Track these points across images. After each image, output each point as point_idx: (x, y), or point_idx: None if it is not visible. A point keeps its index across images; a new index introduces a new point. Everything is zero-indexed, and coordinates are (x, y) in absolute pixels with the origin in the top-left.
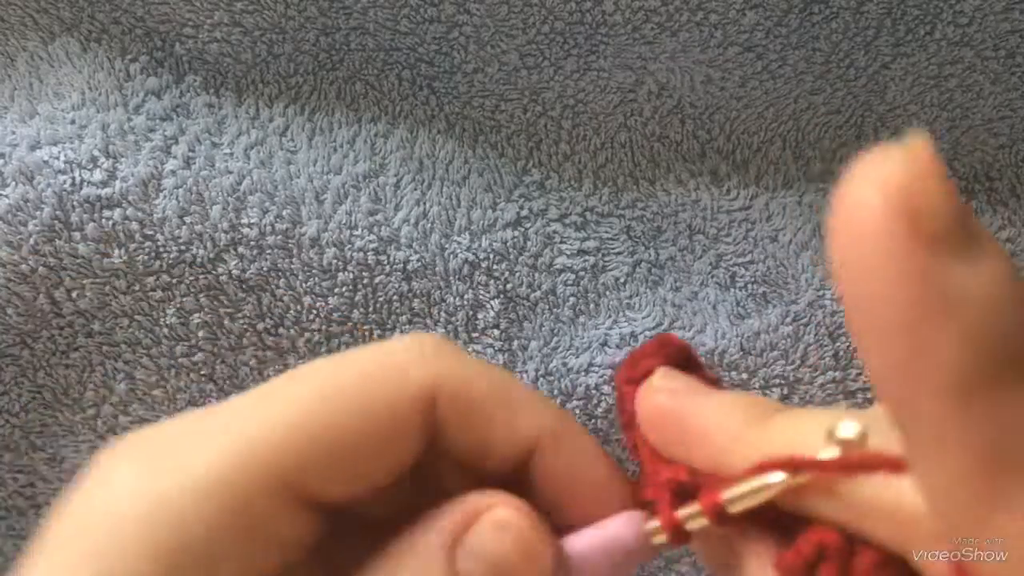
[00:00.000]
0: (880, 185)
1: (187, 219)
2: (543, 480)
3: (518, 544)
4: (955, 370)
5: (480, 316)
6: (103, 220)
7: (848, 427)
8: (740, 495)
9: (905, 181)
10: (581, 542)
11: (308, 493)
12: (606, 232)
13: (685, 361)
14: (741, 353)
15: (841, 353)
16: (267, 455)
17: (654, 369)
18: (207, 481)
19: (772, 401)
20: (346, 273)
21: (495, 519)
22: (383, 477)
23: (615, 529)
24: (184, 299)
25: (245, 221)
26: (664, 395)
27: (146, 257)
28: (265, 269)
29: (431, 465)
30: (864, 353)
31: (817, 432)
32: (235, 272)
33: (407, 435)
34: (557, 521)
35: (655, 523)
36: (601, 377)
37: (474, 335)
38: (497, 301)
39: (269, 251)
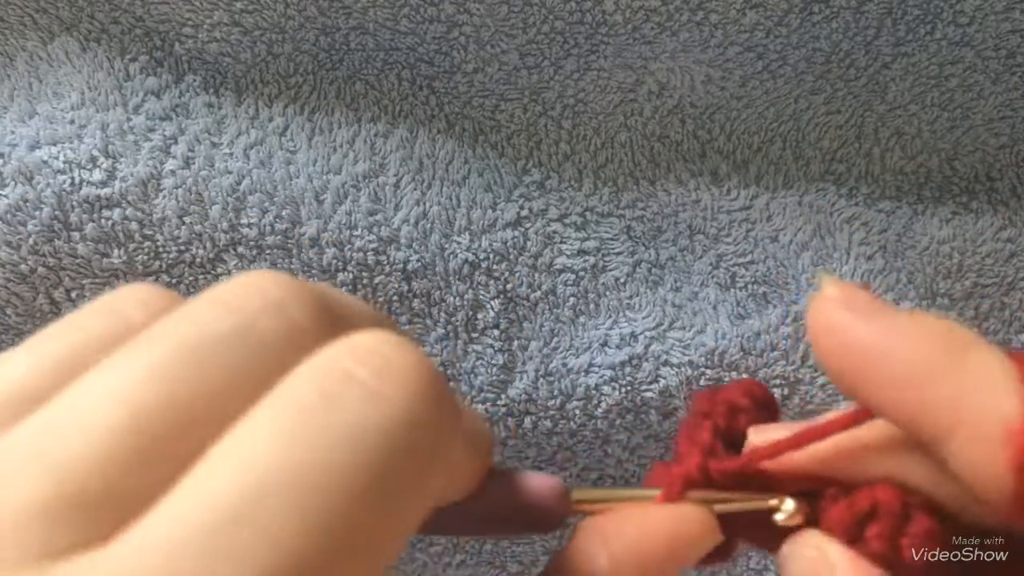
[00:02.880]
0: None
1: (186, 219)
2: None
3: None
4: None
5: (480, 316)
6: (102, 220)
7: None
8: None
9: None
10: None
11: None
12: (606, 232)
13: (768, 405)
14: (741, 353)
15: None
16: None
17: (741, 400)
18: None
19: (960, 326)
20: (346, 273)
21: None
22: None
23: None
24: None
25: (245, 221)
26: (841, 311)
27: (145, 257)
28: (265, 269)
29: None
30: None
31: (1006, 386)
32: (235, 272)
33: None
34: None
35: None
36: (601, 377)
37: (474, 335)
38: (497, 301)
39: (269, 251)
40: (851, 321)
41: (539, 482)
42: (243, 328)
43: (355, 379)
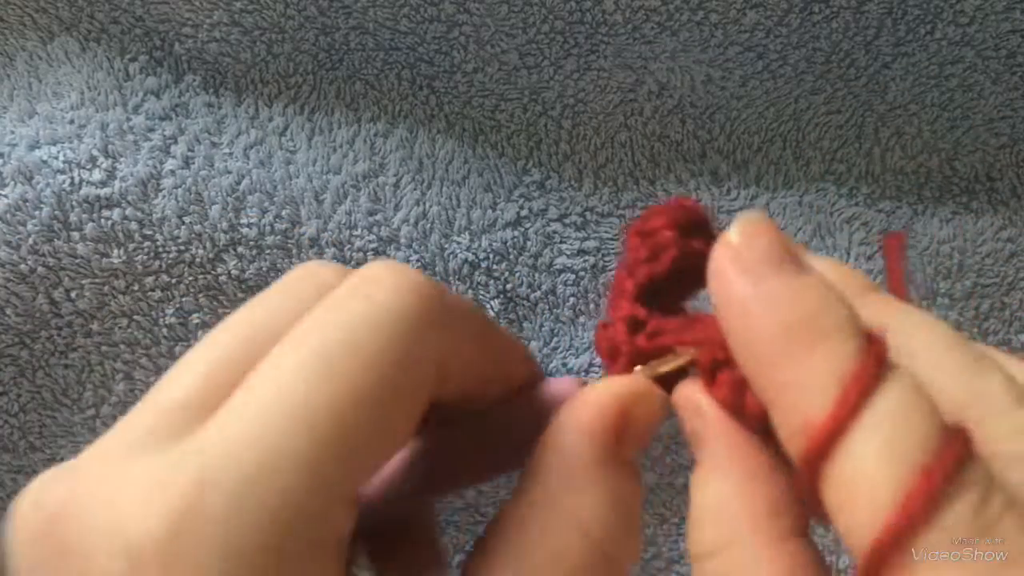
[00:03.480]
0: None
1: (186, 219)
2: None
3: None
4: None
5: None
6: (102, 220)
7: None
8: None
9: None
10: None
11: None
12: (606, 232)
13: (698, 226)
14: None
15: None
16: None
17: (664, 233)
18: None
19: (833, 309)
20: None
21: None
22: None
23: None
24: (183, 299)
25: (244, 221)
26: (728, 262)
27: (145, 257)
28: (264, 269)
29: None
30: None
31: (828, 387)
32: (234, 272)
33: (418, 411)
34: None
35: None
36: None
37: None
38: (497, 301)
39: (268, 251)
40: (734, 276)
41: (558, 385)
42: (281, 286)
43: (357, 291)
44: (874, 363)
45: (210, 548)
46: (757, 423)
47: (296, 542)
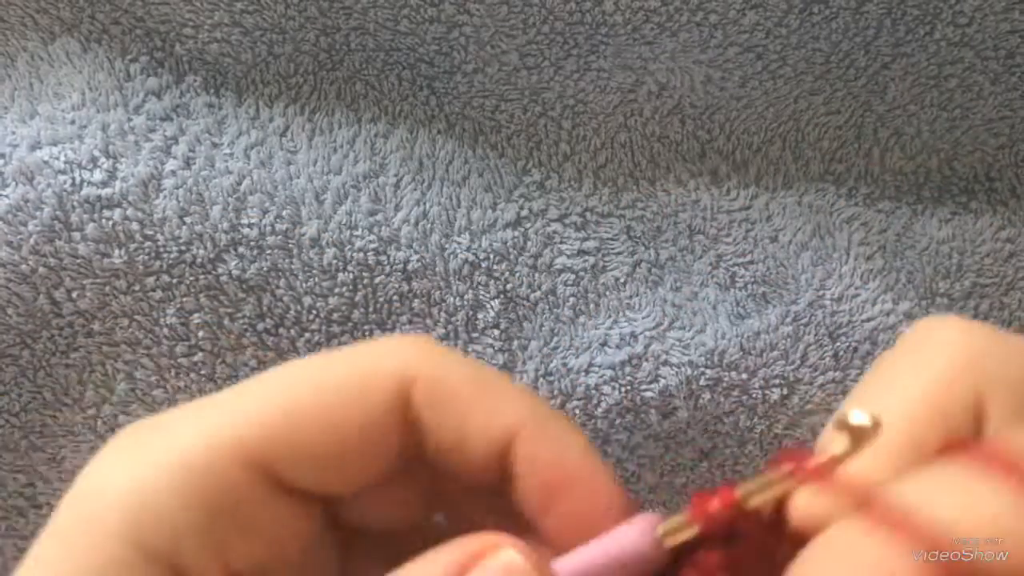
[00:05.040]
0: None
1: (187, 219)
2: (525, 471)
3: None
4: None
5: (480, 316)
6: (103, 220)
7: (858, 415)
8: (754, 489)
9: None
10: (592, 555)
11: (283, 479)
12: (606, 232)
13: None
14: (741, 353)
15: (841, 353)
16: (237, 439)
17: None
18: (180, 465)
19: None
20: (346, 273)
21: (503, 559)
22: (362, 471)
23: (630, 537)
24: (184, 299)
25: (245, 221)
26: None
27: (146, 257)
28: (265, 269)
29: (424, 477)
30: None
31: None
32: (235, 272)
33: (381, 426)
34: (542, 517)
35: (668, 523)
36: (601, 377)
37: (474, 335)
38: (497, 301)
39: (269, 251)
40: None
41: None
42: None
43: None
44: None
45: None
46: None
47: None
